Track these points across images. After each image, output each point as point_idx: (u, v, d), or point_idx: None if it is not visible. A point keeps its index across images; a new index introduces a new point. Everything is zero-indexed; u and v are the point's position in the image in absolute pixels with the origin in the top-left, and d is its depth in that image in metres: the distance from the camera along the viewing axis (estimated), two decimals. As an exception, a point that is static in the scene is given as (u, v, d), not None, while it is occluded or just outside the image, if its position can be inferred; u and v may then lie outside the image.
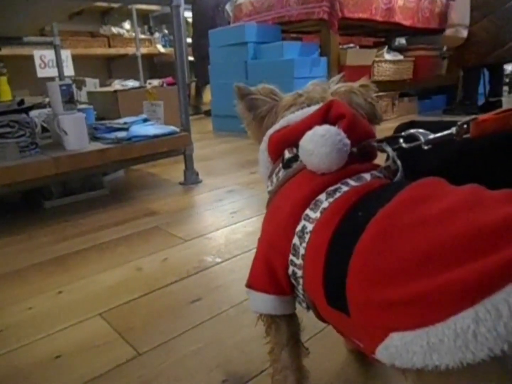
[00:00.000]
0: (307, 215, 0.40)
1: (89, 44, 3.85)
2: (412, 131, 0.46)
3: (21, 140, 1.31)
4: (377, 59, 3.10)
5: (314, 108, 0.51)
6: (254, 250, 1.02)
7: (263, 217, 0.48)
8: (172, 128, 1.61)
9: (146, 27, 4.48)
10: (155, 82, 2.48)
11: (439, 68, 3.71)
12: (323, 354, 0.64)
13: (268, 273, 0.44)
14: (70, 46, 3.56)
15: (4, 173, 1.21)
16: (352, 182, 0.41)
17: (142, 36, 4.23)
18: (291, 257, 0.41)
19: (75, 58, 3.35)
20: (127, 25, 4.19)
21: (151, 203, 1.47)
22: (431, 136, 0.44)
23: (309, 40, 3.48)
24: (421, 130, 0.45)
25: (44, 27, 2.41)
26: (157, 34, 4.47)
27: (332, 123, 0.45)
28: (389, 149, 0.44)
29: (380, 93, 3.17)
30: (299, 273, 0.40)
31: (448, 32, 3.25)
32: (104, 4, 3.77)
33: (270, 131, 0.52)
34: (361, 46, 4.04)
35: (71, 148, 1.38)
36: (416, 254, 0.28)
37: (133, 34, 4.00)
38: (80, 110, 1.60)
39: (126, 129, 1.58)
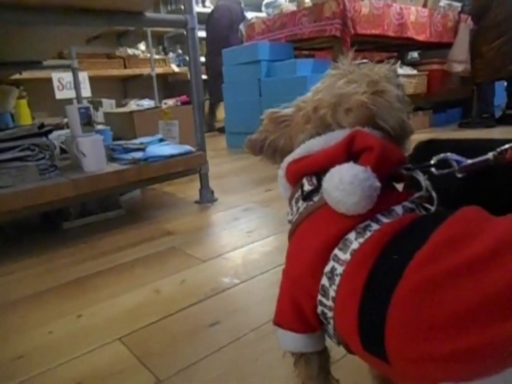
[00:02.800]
0: (336, 255, 0.39)
1: (106, 65, 3.94)
2: (443, 155, 0.44)
3: (41, 163, 1.34)
4: (390, 74, 3.10)
5: (337, 135, 0.49)
6: (272, 271, 1.03)
7: (288, 250, 0.47)
8: (187, 147, 1.62)
9: (160, 47, 4.58)
10: (170, 101, 2.51)
11: (453, 81, 3.69)
12: (347, 380, 0.62)
13: (295, 311, 0.43)
14: (87, 68, 3.65)
15: (24, 195, 1.23)
16: (383, 219, 0.39)
17: (157, 57, 4.32)
18: (320, 297, 0.40)
19: (92, 79, 3.43)
20: (142, 46, 4.28)
21: (167, 223, 1.48)
22: (466, 162, 0.42)
23: (321, 57, 3.51)
24: (454, 156, 0.43)
25: (63, 50, 2.47)
26: (171, 54, 4.56)
27: (357, 156, 0.43)
28: (421, 177, 0.42)
29: (394, 108, 3.15)
30: (330, 314, 0.39)
31: (445, 66, 3.50)
32: (121, 27, 3.87)
33: (289, 159, 0.51)
34: (374, 61, 4.03)
35: (89, 169, 1.40)
36: (464, 306, 0.27)
37: (148, 54, 4.09)
38: (97, 131, 1.63)
39: (143, 150, 1.60)
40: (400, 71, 3.23)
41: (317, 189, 0.45)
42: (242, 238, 1.27)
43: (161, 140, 1.76)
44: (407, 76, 3.26)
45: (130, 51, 4.08)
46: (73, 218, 1.52)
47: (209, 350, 0.73)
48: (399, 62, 3.29)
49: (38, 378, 0.70)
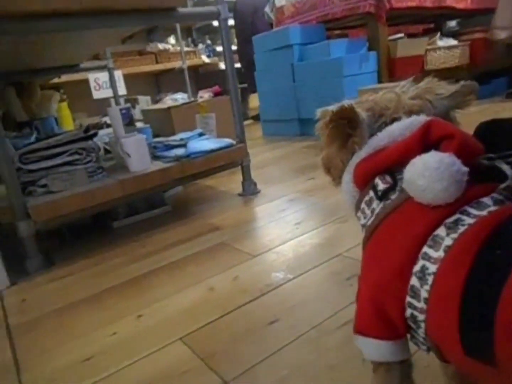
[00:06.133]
0: (426, 253, 0.36)
1: (138, 62, 3.99)
2: None
3: (89, 166, 1.37)
4: (429, 47, 2.95)
5: (398, 126, 0.47)
6: (325, 264, 1.01)
7: (363, 255, 0.45)
8: (228, 141, 1.61)
9: (189, 39, 4.58)
10: (206, 94, 2.51)
11: (498, 50, 3.46)
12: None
13: (380, 317, 0.41)
14: (120, 66, 3.71)
15: (76, 199, 1.27)
16: (473, 211, 0.36)
17: (187, 49, 4.32)
18: (409, 299, 0.37)
19: (125, 77, 3.48)
20: (172, 40, 4.30)
21: (213, 217, 1.48)
22: None
23: (354, 35, 3.38)
24: None
25: (99, 52, 2.52)
26: (200, 46, 4.55)
27: (434, 146, 0.41)
28: (505, 166, 0.39)
29: (435, 83, 3.01)
30: (421, 317, 0.37)
31: (488, 34, 3.22)
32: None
33: (355, 160, 0.48)
34: (409, 35, 3.86)
35: (135, 169, 1.42)
36: None
37: (178, 48, 4.10)
38: (138, 130, 1.65)
39: (184, 145, 1.60)
40: (440, 43, 3.07)
41: (393, 186, 0.43)
42: (291, 231, 1.25)
43: (200, 134, 1.76)
44: (448, 47, 3.09)
45: (160, 46, 4.11)
46: (122, 218, 1.56)
47: (271, 349, 0.72)
48: (439, 33, 3.13)
49: (107, 379, 0.71)
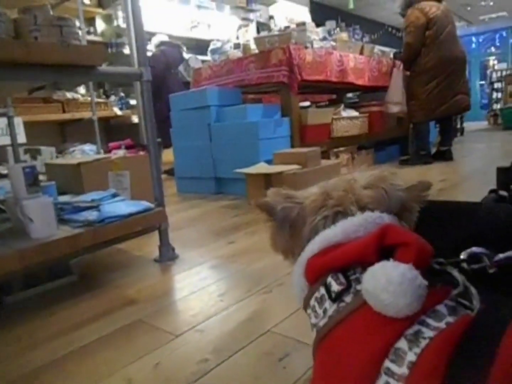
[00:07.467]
0: (388, 368, 0.35)
1: (42, 110, 3.73)
2: (470, 251, 0.43)
3: (-21, 232, 1.18)
4: (335, 116, 3.23)
5: (353, 223, 0.47)
6: (254, 343, 0.96)
7: (316, 360, 0.42)
8: (146, 204, 1.52)
9: (101, 90, 4.44)
10: (121, 152, 2.41)
11: (391, 121, 3.94)
12: None
13: None
14: (21, 113, 3.43)
15: (-40, 273, 1.07)
16: (432, 322, 0.37)
17: (98, 100, 4.17)
18: None
19: (27, 124, 3.21)
20: (82, 89, 4.13)
21: (127, 288, 1.35)
22: (498, 257, 0.41)
23: (267, 100, 3.59)
24: (484, 251, 0.42)
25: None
26: (113, 97, 4.44)
27: (388, 250, 0.41)
28: (456, 273, 0.41)
29: (340, 148, 3.28)
30: None
31: (383, 107, 3.74)
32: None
33: (307, 254, 0.47)
34: (315, 102, 4.24)
35: (38, 236, 1.26)
36: None
37: (89, 98, 3.94)
38: (41, 187, 1.49)
39: (95, 207, 1.48)
40: (344, 113, 3.38)
41: (347, 288, 0.42)
42: (215, 304, 1.18)
43: (114, 195, 1.65)
44: (350, 118, 3.42)
45: (69, 94, 3.91)
46: (16, 291, 1.34)
47: None
48: (342, 105, 3.46)
49: None
